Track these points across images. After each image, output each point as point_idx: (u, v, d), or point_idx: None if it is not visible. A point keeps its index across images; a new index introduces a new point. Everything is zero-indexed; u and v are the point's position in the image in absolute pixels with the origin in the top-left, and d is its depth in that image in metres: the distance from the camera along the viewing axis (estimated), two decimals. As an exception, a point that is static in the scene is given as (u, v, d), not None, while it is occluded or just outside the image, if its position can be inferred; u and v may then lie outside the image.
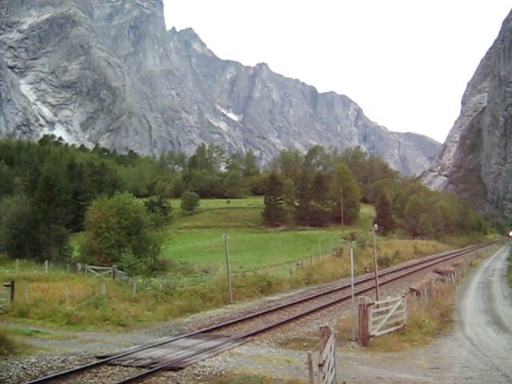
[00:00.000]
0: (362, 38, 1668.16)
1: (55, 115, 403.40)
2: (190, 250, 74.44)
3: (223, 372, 15.51)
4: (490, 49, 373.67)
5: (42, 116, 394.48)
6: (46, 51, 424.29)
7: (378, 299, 27.34)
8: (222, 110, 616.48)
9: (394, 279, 46.29)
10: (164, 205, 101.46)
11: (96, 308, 26.87)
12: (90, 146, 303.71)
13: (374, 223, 64.44)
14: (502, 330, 23.74)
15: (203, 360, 17.07)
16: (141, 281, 37.11)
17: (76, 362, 17.18)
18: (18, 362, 16.92)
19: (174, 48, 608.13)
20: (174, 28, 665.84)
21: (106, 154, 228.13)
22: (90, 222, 54.70)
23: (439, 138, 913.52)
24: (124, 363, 16.83)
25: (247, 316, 27.09)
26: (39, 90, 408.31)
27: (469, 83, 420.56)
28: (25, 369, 16.21)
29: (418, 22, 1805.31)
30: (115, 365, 16.67)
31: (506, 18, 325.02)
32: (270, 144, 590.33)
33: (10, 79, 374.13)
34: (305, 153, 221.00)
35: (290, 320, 25.71)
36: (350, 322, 22.54)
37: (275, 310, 29.32)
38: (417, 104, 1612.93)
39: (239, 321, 25.57)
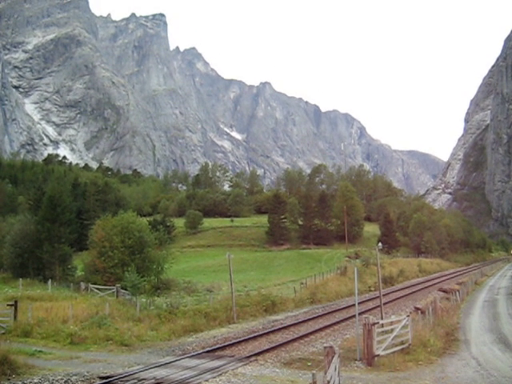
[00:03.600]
0: (366, 56, 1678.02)
1: (59, 134, 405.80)
2: (193, 269, 74.34)
3: (227, 392, 15.39)
4: (493, 67, 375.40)
5: (47, 135, 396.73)
6: (50, 71, 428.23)
7: (382, 318, 27.19)
8: (226, 129, 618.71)
9: (399, 298, 46.02)
10: (168, 224, 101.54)
11: (99, 328, 26.74)
12: (94, 165, 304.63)
13: (378, 241, 64.14)
14: (508, 349, 23.50)
15: (207, 380, 16.93)
16: (144, 300, 36.95)
17: (79, 383, 17.06)
18: (20, 383, 16.81)
19: (177, 67, 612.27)
20: (177, 47, 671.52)
21: (109, 173, 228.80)
22: (94, 241, 54.55)
23: (443, 156, 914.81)
24: (127, 384, 16.70)
25: (251, 335, 26.91)
26: (44, 110, 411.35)
27: (472, 101, 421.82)
28: (27, 389, 16.10)
29: (421, 41, 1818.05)
30: (118, 385, 16.55)
31: (508, 36, 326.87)
32: (274, 163, 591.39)
33: (14, 99, 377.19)
34: (308, 171, 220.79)
35: (294, 339, 25.53)
36: (354, 341, 22.39)
37: (279, 329, 29.12)
38: (420, 122, 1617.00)
39: (243, 340, 25.40)
